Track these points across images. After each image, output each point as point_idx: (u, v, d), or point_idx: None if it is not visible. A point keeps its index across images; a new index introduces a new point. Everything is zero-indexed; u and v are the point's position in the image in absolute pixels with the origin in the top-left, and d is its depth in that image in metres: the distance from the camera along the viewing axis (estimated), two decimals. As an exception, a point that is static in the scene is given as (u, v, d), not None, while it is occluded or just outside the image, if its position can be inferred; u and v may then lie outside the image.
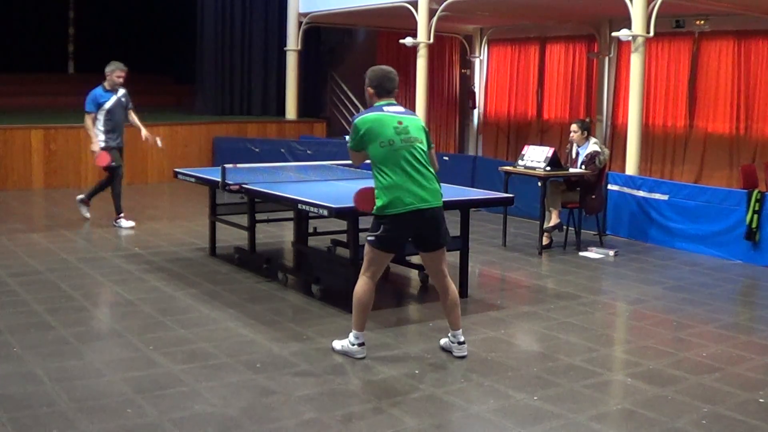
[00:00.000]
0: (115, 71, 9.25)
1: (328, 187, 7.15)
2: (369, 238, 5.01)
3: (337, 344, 5.23)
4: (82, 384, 4.59)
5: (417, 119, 5.08)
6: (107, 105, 9.22)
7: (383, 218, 4.91)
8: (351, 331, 5.14)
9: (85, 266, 7.46)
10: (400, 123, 4.93)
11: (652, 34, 9.60)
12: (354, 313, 5.09)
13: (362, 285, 5.05)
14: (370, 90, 5.10)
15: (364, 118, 4.97)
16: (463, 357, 5.16)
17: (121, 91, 9.40)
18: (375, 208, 4.97)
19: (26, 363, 4.91)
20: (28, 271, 7.26)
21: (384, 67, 5.20)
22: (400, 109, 5.05)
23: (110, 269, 7.38)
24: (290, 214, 7.44)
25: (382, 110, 4.99)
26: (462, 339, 5.21)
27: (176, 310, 6.14)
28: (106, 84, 9.27)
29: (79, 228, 9.44)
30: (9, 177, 12.19)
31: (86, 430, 4.02)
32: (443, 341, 5.33)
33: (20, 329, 5.55)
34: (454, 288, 5.22)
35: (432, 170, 5.01)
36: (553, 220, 8.61)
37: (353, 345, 5.11)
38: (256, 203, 7.42)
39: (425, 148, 4.99)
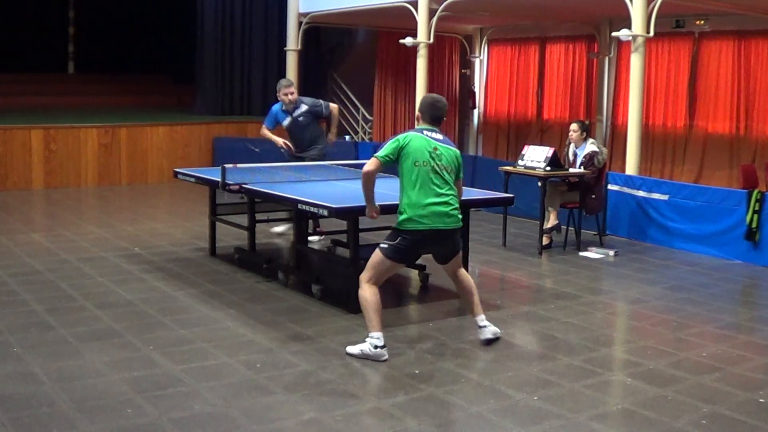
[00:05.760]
0: (280, 90, 8.56)
1: (328, 187, 7.15)
2: (383, 246, 5.18)
3: (353, 349, 5.17)
4: (82, 384, 4.59)
5: (453, 150, 5.30)
6: (284, 124, 8.68)
7: (403, 232, 5.14)
8: (368, 335, 5.10)
9: (85, 266, 7.46)
10: (435, 149, 5.19)
11: (652, 34, 9.59)
12: (368, 315, 5.11)
13: (367, 289, 5.15)
14: (418, 114, 5.43)
15: (406, 134, 5.24)
16: (487, 340, 5.40)
17: (300, 110, 8.58)
18: (397, 221, 5.18)
19: (26, 363, 4.91)
20: (28, 271, 7.26)
21: (435, 96, 5.46)
22: (440, 137, 5.28)
23: (110, 269, 7.38)
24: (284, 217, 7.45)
25: (423, 133, 5.25)
26: (482, 323, 5.44)
27: (176, 310, 6.14)
28: (282, 104, 8.62)
29: (79, 228, 9.44)
30: (9, 177, 12.19)
31: (86, 430, 4.02)
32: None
33: (20, 329, 5.55)
34: (467, 277, 5.51)
35: (455, 197, 5.27)
36: (552, 220, 8.61)
37: (376, 348, 5.06)
38: (256, 203, 7.42)
39: (452, 178, 5.26)
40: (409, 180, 5.13)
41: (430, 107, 5.33)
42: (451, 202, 5.20)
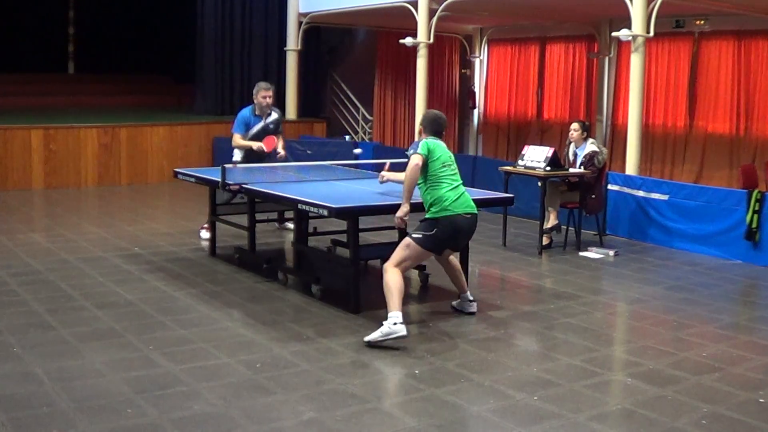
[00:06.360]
0: (259, 92, 8.51)
1: (328, 187, 7.15)
2: (416, 236, 5.63)
3: (375, 335, 5.33)
4: (82, 384, 4.59)
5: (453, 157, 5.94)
6: (253, 130, 8.50)
7: (441, 221, 5.62)
8: (389, 315, 5.34)
9: (85, 266, 7.46)
10: (450, 156, 5.85)
11: (652, 34, 9.60)
12: (392, 297, 5.40)
13: (396, 274, 5.50)
14: (420, 128, 5.99)
15: (432, 140, 5.80)
16: (473, 313, 6.13)
17: (272, 117, 8.61)
18: (432, 213, 5.65)
19: (26, 363, 4.91)
20: (28, 271, 7.26)
21: (437, 112, 6.08)
22: (444, 145, 5.91)
23: (110, 269, 7.38)
24: (289, 214, 7.44)
25: (437, 141, 5.82)
26: (471, 297, 6.21)
27: (176, 310, 6.14)
28: (256, 107, 8.55)
29: (79, 228, 9.44)
30: (9, 177, 12.18)
31: (86, 430, 4.02)
32: (455, 302, 6.28)
33: (20, 329, 5.55)
34: (456, 261, 6.21)
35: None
36: (552, 220, 8.61)
37: (396, 324, 5.31)
38: (256, 203, 7.42)
39: None
40: (442, 179, 5.66)
41: (432, 123, 5.89)
42: (468, 196, 5.84)
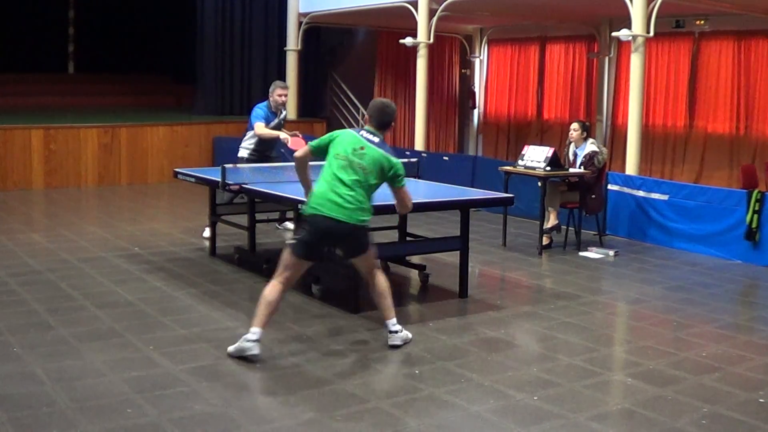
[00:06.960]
0: (276, 90, 8.59)
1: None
2: (290, 241, 5.20)
3: (230, 348, 5.05)
4: (82, 384, 4.59)
5: (379, 152, 5.12)
6: (269, 125, 8.57)
7: (304, 221, 5.17)
8: (251, 327, 5.00)
9: (85, 266, 7.46)
10: (362, 148, 5.12)
11: (652, 34, 9.60)
12: (261, 310, 5.01)
13: (273, 287, 5.05)
14: (366, 116, 5.41)
15: (342, 131, 5.34)
16: (395, 346, 5.27)
17: (282, 114, 8.77)
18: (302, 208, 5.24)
19: (26, 363, 4.91)
20: (28, 271, 7.26)
21: (385, 101, 5.43)
22: (376, 140, 5.18)
23: (110, 269, 7.38)
24: (288, 215, 7.43)
25: (359, 132, 5.25)
26: (393, 328, 5.31)
27: (176, 310, 6.14)
28: (271, 104, 8.61)
29: (79, 228, 9.44)
30: (9, 177, 12.19)
31: (86, 430, 4.02)
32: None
33: (20, 329, 5.55)
34: (381, 280, 5.33)
35: (359, 199, 5.06)
36: (552, 221, 8.61)
37: (249, 341, 4.95)
38: (256, 203, 7.43)
39: (370, 182, 5.11)
40: (323, 170, 5.14)
41: (378, 112, 5.29)
42: (349, 200, 5.02)
